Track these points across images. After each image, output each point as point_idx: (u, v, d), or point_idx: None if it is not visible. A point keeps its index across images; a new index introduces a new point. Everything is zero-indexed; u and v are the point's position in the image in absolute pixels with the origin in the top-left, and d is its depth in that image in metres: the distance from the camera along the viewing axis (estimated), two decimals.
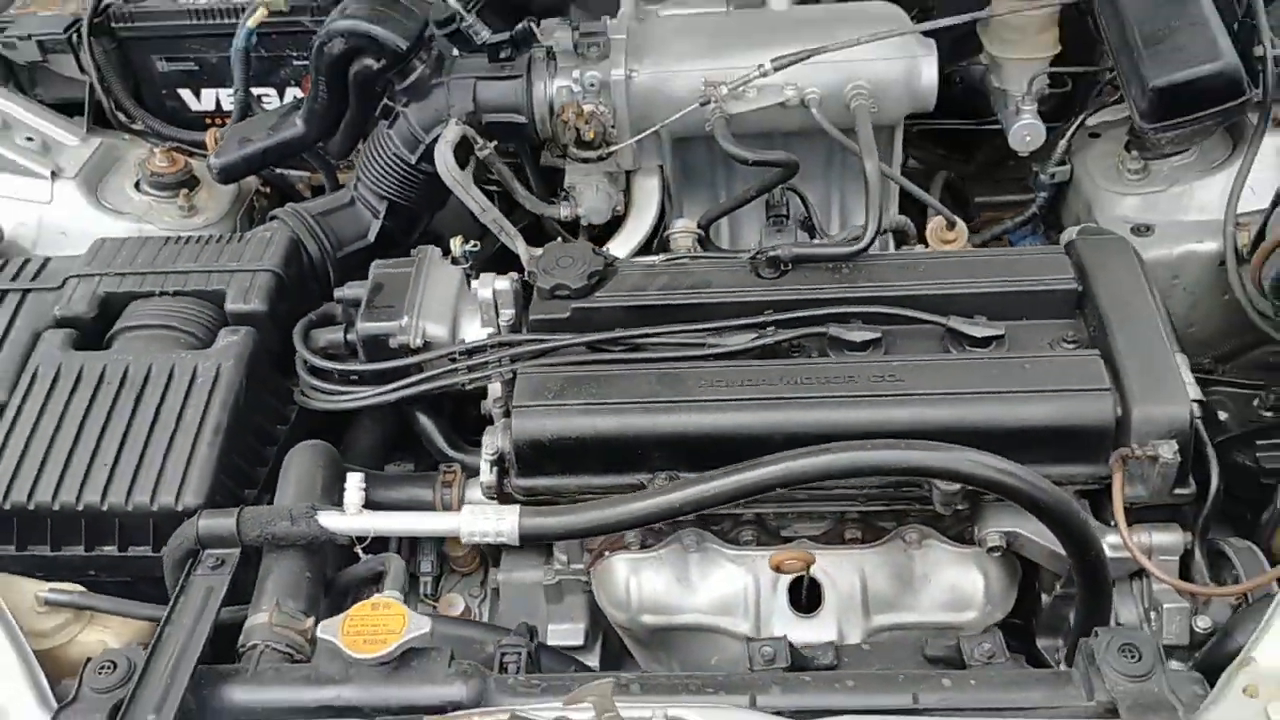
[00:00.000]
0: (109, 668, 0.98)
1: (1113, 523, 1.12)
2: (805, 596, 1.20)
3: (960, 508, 1.19)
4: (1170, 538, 1.14)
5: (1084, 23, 1.54)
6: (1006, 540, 1.17)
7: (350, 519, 1.08)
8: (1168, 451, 1.10)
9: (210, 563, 1.07)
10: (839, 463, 1.02)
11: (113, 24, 1.71)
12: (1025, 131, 1.53)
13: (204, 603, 1.03)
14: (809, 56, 1.33)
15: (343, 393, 1.27)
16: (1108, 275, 1.23)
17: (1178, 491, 1.12)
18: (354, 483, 1.08)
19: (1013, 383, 1.15)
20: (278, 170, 1.67)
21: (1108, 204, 1.47)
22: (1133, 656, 0.90)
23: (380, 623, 0.98)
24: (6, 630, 0.97)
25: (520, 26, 1.44)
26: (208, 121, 1.72)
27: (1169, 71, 1.32)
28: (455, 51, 1.51)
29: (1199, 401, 1.12)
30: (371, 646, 0.96)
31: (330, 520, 1.07)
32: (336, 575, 1.10)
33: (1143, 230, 1.42)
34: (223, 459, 1.20)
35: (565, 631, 1.30)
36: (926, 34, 1.42)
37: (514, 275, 1.28)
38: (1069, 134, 1.54)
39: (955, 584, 1.19)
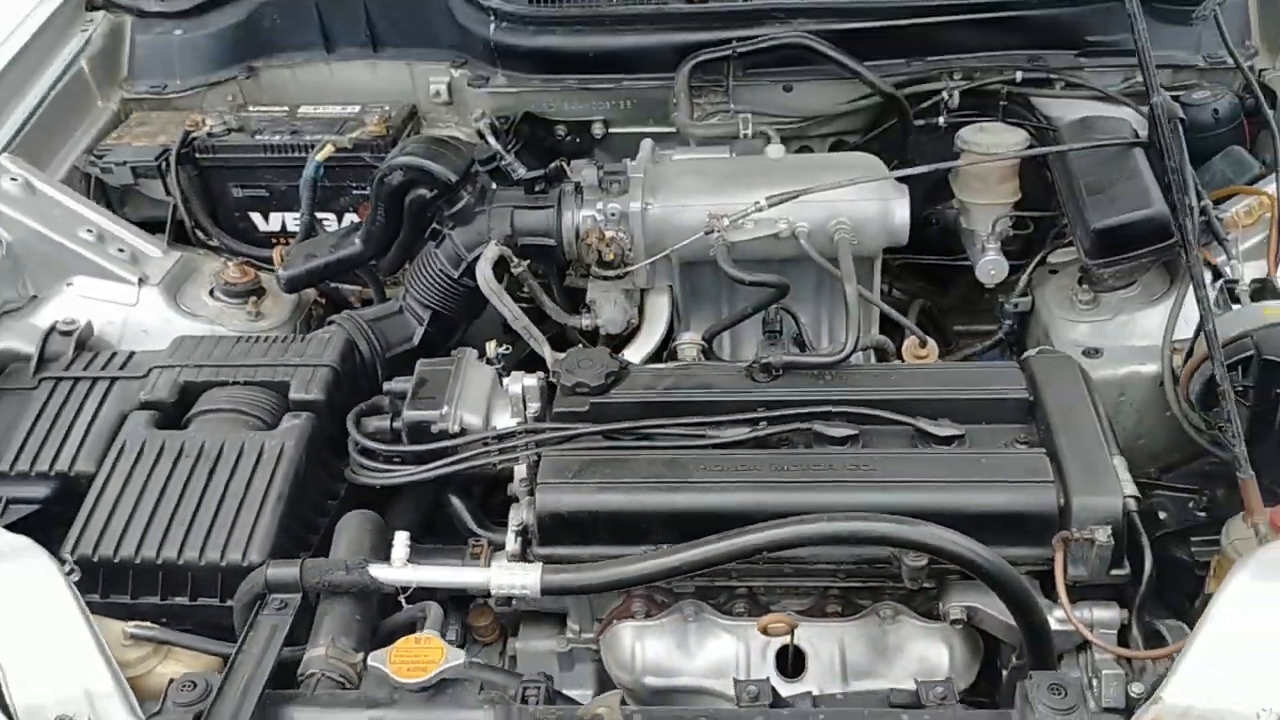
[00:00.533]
0: (190, 686, 1.15)
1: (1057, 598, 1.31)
2: (790, 663, 1.35)
3: (927, 585, 1.35)
4: (1109, 614, 1.28)
5: (1043, 174, 1.78)
6: (967, 614, 1.32)
7: (396, 571, 1.25)
8: (1103, 535, 1.27)
9: (275, 605, 1.25)
10: (820, 531, 1.20)
11: (196, 154, 1.94)
12: (990, 267, 1.75)
13: (270, 638, 1.20)
14: (798, 196, 1.55)
15: (388, 470, 1.46)
16: (1054, 387, 1.42)
17: (1114, 572, 1.27)
18: (400, 540, 1.26)
19: (970, 474, 1.33)
20: (332, 284, 1.90)
21: (1063, 330, 1.66)
22: (1060, 694, 1.06)
23: (422, 654, 1.15)
24: (102, 654, 1.14)
25: (553, 165, 1.68)
26: (274, 241, 1.94)
27: (1107, 216, 1.55)
28: (494, 185, 1.75)
29: (1134, 497, 1.29)
30: (414, 673, 1.13)
31: (379, 572, 1.25)
32: (382, 621, 1.27)
33: (1092, 353, 1.61)
34: (283, 523, 1.38)
35: (575, 695, 1.45)
36: (900, 180, 1.63)
37: (540, 375, 1.48)
38: (1029, 270, 1.75)
39: (924, 655, 1.33)
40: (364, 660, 1.19)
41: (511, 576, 1.24)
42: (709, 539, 1.22)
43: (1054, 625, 1.26)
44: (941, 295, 1.93)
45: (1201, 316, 1.41)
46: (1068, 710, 1.04)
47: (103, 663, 1.14)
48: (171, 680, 1.16)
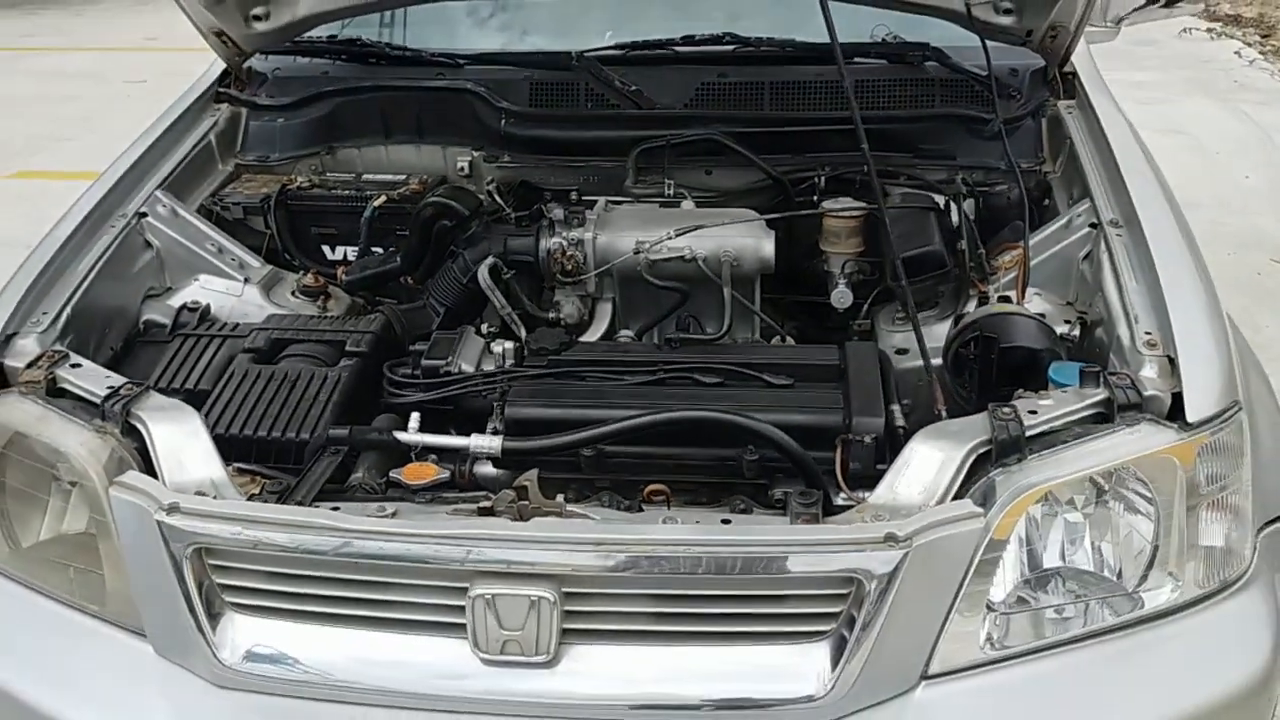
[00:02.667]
0: (275, 483, 1.82)
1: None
2: None
3: (761, 480, 1.97)
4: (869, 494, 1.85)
5: (878, 234, 2.46)
6: (785, 495, 1.93)
7: (411, 435, 1.92)
8: (868, 439, 1.91)
9: (331, 452, 1.90)
10: (686, 416, 1.85)
11: (289, 201, 2.58)
12: (841, 296, 2.31)
13: (327, 465, 1.85)
14: (696, 229, 2.23)
15: (406, 392, 2.09)
16: (856, 361, 2.04)
17: (879, 466, 1.83)
18: (414, 416, 1.93)
19: (791, 403, 1.95)
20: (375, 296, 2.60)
21: (885, 338, 2.23)
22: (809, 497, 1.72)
23: (423, 470, 1.82)
24: (221, 463, 1.78)
25: (535, 208, 2.42)
26: (336, 265, 2.61)
27: (905, 251, 2.24)
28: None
29: (891, 420, 1.93)
30: (418, 479, 1.79)
31: (400, 435, 1.92)
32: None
33: (902, 352, 2.23)
34: (333, 419, 1.96)
35: None
36: (768, 224, 2.30)
37: (514, 343, 2.17)
38: (869, 300, 2.37)
39: None
40: (386, 481, 1.86)
41: (484, 441, 1.90)
42: (615, 424, 1.88)
43: (839, 501, 1.89)
44: (815, 326, 2.60)
45: (914, 322, 2.03)
46: (811, 503, 1.70)
47: (221, 466, 1.77)
48: (265, 482, 1.84)
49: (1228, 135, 6.25)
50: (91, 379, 1.90)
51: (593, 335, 2.32)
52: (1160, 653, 1.67)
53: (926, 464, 1.67)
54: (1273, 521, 1.83)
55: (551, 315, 2.34)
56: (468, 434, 1.92)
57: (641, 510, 1.80)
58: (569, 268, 2.31)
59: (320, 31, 2.85)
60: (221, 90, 2.78)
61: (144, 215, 2.36)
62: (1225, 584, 1.72)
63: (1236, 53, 8.04)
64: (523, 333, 2.23)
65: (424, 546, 1.57)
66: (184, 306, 2.32)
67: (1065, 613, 1.72)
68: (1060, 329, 2.09)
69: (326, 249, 2.66)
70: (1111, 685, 1.65)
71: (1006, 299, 2.16)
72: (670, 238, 2.25)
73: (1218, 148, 6.08)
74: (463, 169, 2.70)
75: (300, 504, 1.72)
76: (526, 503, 1.65)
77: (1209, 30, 8.41)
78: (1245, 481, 1.75)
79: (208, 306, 2.33)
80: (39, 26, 10.30)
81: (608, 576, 1.57)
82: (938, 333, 2.21)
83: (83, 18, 10.63)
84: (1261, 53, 7.98)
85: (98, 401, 1.84)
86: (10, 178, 6.47)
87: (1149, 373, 1.79)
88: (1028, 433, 1.69)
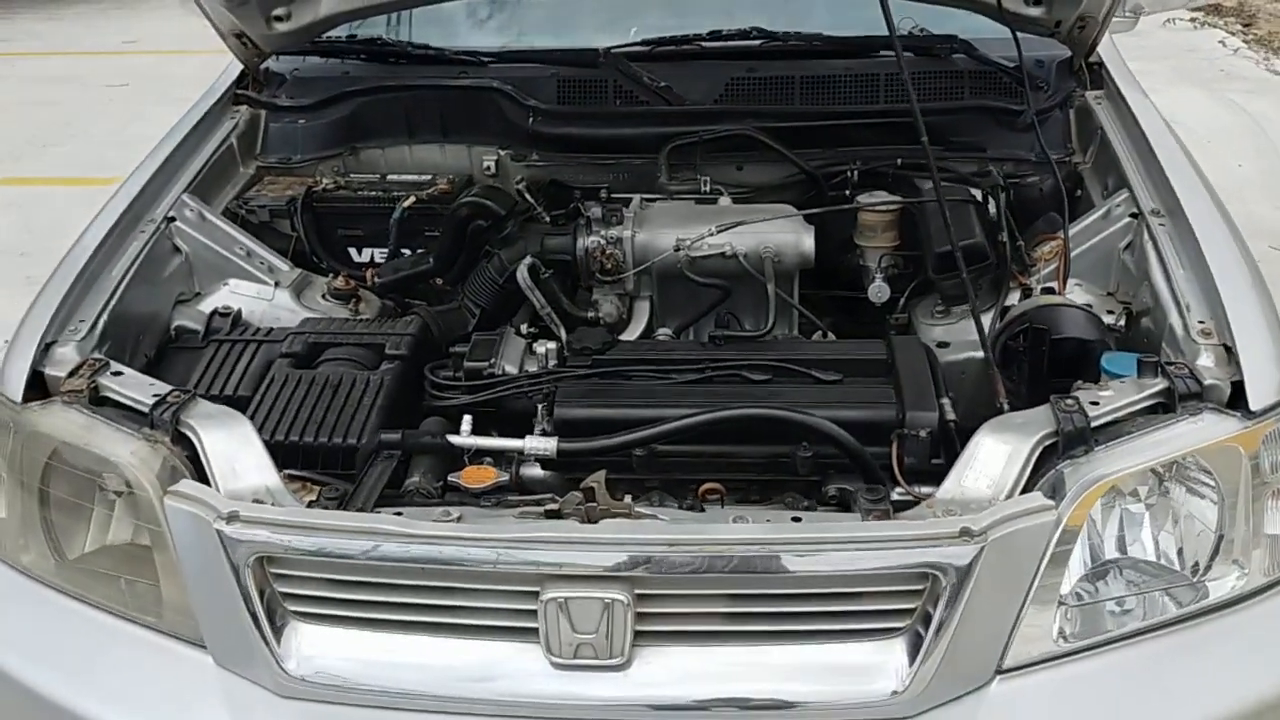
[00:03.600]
0: (334, 491, 1.79)
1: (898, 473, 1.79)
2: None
3: (814, 477, 1.97)
4: (928, 488, 1.73)
5: (915, 229, 2.46)
6: (840, 492, 1.93)
7: (464, 438, 1.90)
8: (923, 434, 1.91)
9: (384, 456, 1.88)
10: (744, 414, 1.84)
11: (315, 203, 2.54)
12: (878, 290, 2.33)
13: (382, 470, 1.82)
14: (737, 226, 2.23)
15: (450, 394, 2.07)
16: (903, 354, 2.04)
17: (934, 461, 1.85)
18: (467, 419, 1.91)
19: (842, 398, 1.95)
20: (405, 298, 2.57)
21: (925, 332, 2.22)
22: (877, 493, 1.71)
23: (482, 474, 1.80)
24: (274, 469, 1.75)
25: (572, 206, 2.40)
26: (364, 267, 2.56)
27: (943, 245, 2.23)
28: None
29: (946, 414, 1.93)
30: (477, 483, 1.77)
31: (453, 438, 1.89)
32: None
33: (943, 345, 2.24)
34: (381, 423, 1.93)
35: None
36: (807, 219, 2.30)
37: (556, 343, 2.15)
38: (905, 294, 2.36)
39: None
40: (443, 485, 1.84)
41: (539, 443, 1.87)
42: (670, 424, 1.86)
43: (895, 496, 1.88)
44: (851, 320, 2.60)
45: (975, 315, 2.05)
46: (880, 499, 1.69)
47: (275, 473, 1.74)
48: (321, 488, 1.81)
49: (1218, 124, 6.29)
50: (135, 387, 1.87)
51: (631, 334, 2.31)
52: (1229, 641, 1.67)
53: (993, 457, 1.67)
54: None
55: (590, 314, 2.32)
56: (511, 436, 1.90)
57: (702, 510, 1.78)
58: (608, 266, 2.29)
59: (339, 31, 2.82)
60: (240, 92, 2.74)
61: (172, 220, 2.32)
62: None
63: (1220, 42, 8.09)
64: (563, 333, 2.21)
65: (496, 551, 1.55)
66: (215, 312, 2.29)
67: (1126, 605, 1.71)
68: (1105, 320, 2.09)
69: (353, 251, 2.63)
70: (1184, 675, 1.65)
71: (1050, 290, 2.15)
72: (712, 234, 2.23)
73: (1209, 136, 6.11)
74: (489, 168, 2.67)
75: (362, 510, 1.70)
76: (595, 504, 1.63)
77: (1192, 20, 8.47)
78: None
79: (239, 311, 2.30)
80: (14, 31, 10.15)
81: (682, 577, 1.56)
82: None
83: (59, 21, 10.48)
84: (1245, 41, 8.05)
85: (144, 409, 1.81)
86: None
87: (1206, 361, 1.79)
88: (1092, 424, 1.69)
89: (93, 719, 1.65)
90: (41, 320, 1.97)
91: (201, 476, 1.73)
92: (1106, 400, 1.74)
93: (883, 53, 2.63)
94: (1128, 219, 2.19)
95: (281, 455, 1.85)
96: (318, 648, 1.63)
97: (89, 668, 1.73)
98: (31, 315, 2.00)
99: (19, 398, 1.87)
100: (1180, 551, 1.72)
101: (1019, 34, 2.51)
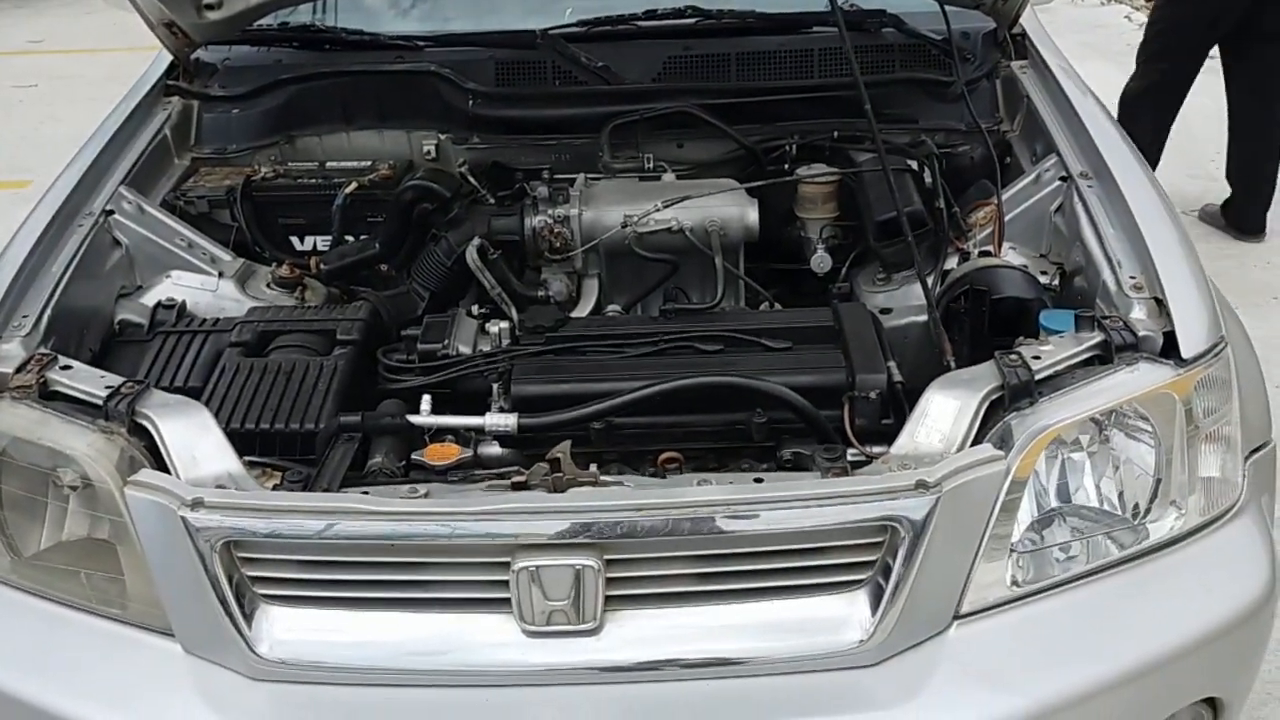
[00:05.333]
0: (296, 475, 1.79)
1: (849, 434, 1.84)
2: None
3: (769, 443, 2.02)
4: (880, 448, 1.79)
5: (853, 200, 2.52)
6: (794, 455, 1.98)
7: (424, 418, 1.90)
8: (873, 395, 1.96)
9: (345, 438, 1.89)
10: (700, 383, 1.87)
11: (254, 193, 2.51)
12: (820, 261, 2.39)
13: (345, 452, 1.83)
14: (684, 200, 2.27)
15: (405, 377, 2.06)
16: (849, 320, 2.09)
17: (884, 421, 1.89)
18: (426, 398, 1.92)
19: (793, 365, 1.99)
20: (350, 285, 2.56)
21: (867, 299, 2.26)
22: (833, 453, 1.77)
23: (445, 451, 1.81)
24: (236, 455, 1.74)
25: (517, 187, 2.42)
26: (307, 255, 2.54)
27: (882, 213, 2.30)
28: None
29: (894, 375, 1.98)
30: (441, 459, 1.79)
31: (413, 418, 1.90)
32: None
33: (886, 311, 2.29)
34: (337, 408, 1.93)
35: None
36: (749, 193, 2.35)
37: (508, 322, 2.17)
38: (847, 263, 2.44)
39: None
40: (407, 464, 1.85)
41: (499, 420, 1.89)
42: (627, 395, 1.90)
43: (850, 456, 1.93)
44: (794, 292, 2.64)
45: (920, 276, 2.13)
46: (837, 458, 1.75)
47: (236, 459, 1.72)
48: (284, 472, 1.81)
49: None
50: (86, 380, 1.84)
51: (582, 311, 2.32)
52: (1170, 578, 1.76)
53: (943, 412, 1.73)
54: (1257, 449, 1.93)
55: (540, 294, 2.33)
56: (467, 416, 1.91)
57: (664, 478, 1.82)
58: (556, 245, 2.31)
59: (268, 20, 2.80)
60: (171, 83, 2.70)
61: (110, 213, 2.29)
62: (1223, 511, 1.82)
63: (1126, 17, 8.33)
64: (514, 312, 2.23)
65: (467, 523, 1.57)
66: (159, 304, 2.26)
67: (1071, 550, 1.79)
68: (1040, 280, 2.17)
69: (295, 239, 2.61)
70: (1129, 612, 1.73)
71: (987, 254, 2.23)
72: (658, 209, 2.26)
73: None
74: (429, 152, 2.65)
75: (327, 491, 1.70)
76: (561, 474, 1.66)
77: None
78: (1235, 413, 1.84)
79: (184, 303, 2.27)
80: None
81: (650, 541, 1.59)
82: (916, 291, 2.26)
83: None
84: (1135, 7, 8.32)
85: (97, 402, 1.79)
86: None
87: (1139, 314, 1.87)
88: (1035, 377, 1.75)
89: (63, 713, 1.63)
90: None
91: (160, 466, 1.72)
92: (1047, 355, 1.80)
93: (815, 29, 2.68)
94: (1057, 182, 2.27)
95: (239, 443, 1.82)
96: (289, 629, 1.64)
97: (54, 663, 1.70)
98: None
99: None
100: (1121, 496, 1.80)
101: (946, 7, 2.58)
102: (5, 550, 1.80)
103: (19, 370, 1.86)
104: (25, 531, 1.81)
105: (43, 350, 1.91)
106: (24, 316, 1.97)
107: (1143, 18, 8.21)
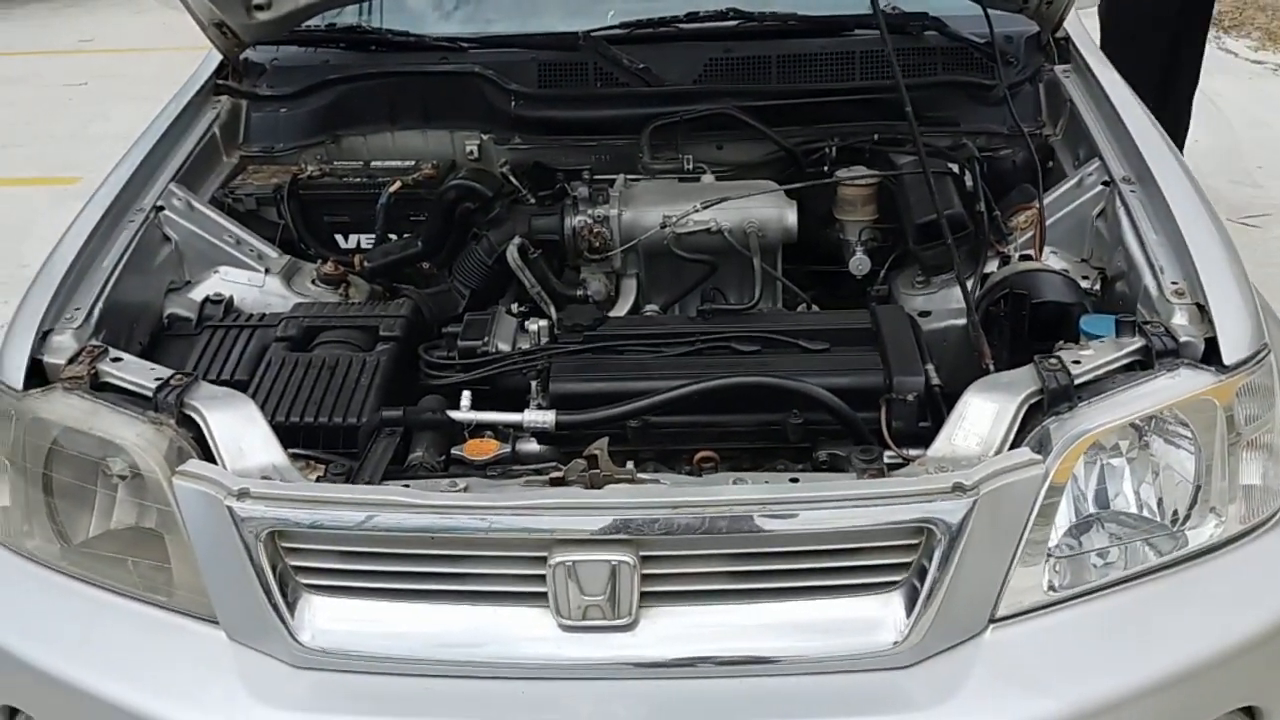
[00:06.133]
0: (339, 467, 1.82)
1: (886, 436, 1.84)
2: None
3: (804, 445, 2.02)
4: (917, 450, 1.79)
5: (893, 202, 2.50)
6: (830, 457, 1.98)
7: (463, 414, 1.94)
8: (911, 398, 1.96)
9: (386, 433, 1.92)
10: (737, 383, 1.88)
11: (300, 191, 2.55)
12: (858, 264, 2.38)
13: (386, 446, 1.86)
14: (723, 202, 2.28)
15: (446, 373, 2.09)
16: (887, 323, 2.09)
17: (921, 424, 1.89)
18: (466, 394, 1.95)
19: (831, 366, 1.99)
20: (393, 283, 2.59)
21: (906, 302, 2.27)
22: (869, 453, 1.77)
23: (484, 446, 1.84)
24: (281, 448, 1.77)
25: (558, 187, 2.44)
26: (351, 253, 2.57)
27: (922, 216, 2.30)
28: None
29: (932, 378, 1.98)
30: (480, 454, 1.81)
31: (453, 413, 1.93)
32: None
33: (924, 314, 2.30)
34: (379, 402, 1.95)
35: None
36: (789, 195, 2.36)
37: (547, 320, 2.18)
38: (886, 265, 2.43)
39: None
40: (446, 459, 1.88)
41: (538, 416, 1.91)
42: (665, 394, 1.91)
43: (887, 459, 1.93)
44: (832, 294, 2.63)
45: (959, 279, 2.13)
46: (874, 459, 1.75)
47: (281, 451, 1.75)
48: (327, 465, 1.84)
49: None
50: (136, 371, 1.89)
51: (619, 311, 2.35)
52: (1208, 586, 1.75)
53: (982, 416, 1.73)
54: None
55: (578, 293, 2.35)
56: (506, 412, 1.93)
57: (700, 476, 1.83)
58: (595, 245, 2.34)
59: (316, 21, 2.84)
60: (220, 82, 2.75)
61: (161, 209, 2.33)
62: (1264, 520, 1.80)
63: None
64: (553, 311, 2.25)
65: (505, 518, 1.59)
66: (207, 299, 2.30)
67: (1109, 556, 1.78)
68: (1081, 284, 2.16)
69: (339, 237, 2.64)
70: (1166, 619, 1.72)
71: (1027, 258, 2.22)
72: (697, 210, 2.28)
73: None
74: (471, 153, 2.70)
75: (369, 484, 1.73)
76: (598, 471, 1.67)
77: None
78: (1277, 420, 1.83)
79: (231, 298, 2.31)
80: None
81: (686, 539, 1.60)
82: (956, 294, 2.25)
83: (9, 21, 10.33)
84: None
85: (147, 394, 1.83)
86: None
87: (1181, 320, 1.86)
88: (1075, 381, 1.75)
89: (110, 698, 1.67)
90: (38, 309, 1.98)
91: (207, 457, 1.75)
92: (1087, 359, 1.80)
93: (857, 31, 2.69)
94: (1100, 187, 2.26)
95: (284, 435, 1.85)
96: (331, 619, 1.67)
97: (102, 648, 1.74)
98: (27, 304, 2.02)
99: (20, 386, 1.88)
100: (1160, 502, 1.79)
101: (989, 10, 2.58)
102: (55, 537, 1.85)
103: (71, 362, 1.90)
104: (75, 519, 1.85)
105: (94, 342, 1.96)
106: (76, 309, 2.02)
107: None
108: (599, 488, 1.66)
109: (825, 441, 1.92)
